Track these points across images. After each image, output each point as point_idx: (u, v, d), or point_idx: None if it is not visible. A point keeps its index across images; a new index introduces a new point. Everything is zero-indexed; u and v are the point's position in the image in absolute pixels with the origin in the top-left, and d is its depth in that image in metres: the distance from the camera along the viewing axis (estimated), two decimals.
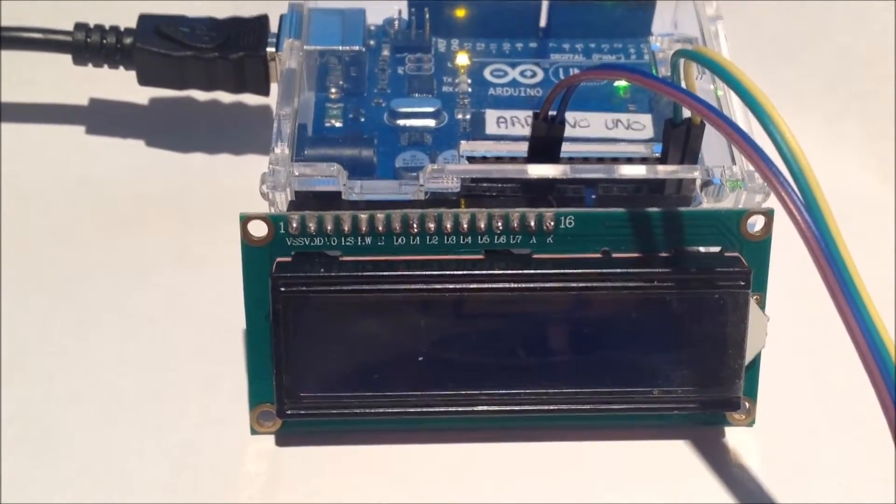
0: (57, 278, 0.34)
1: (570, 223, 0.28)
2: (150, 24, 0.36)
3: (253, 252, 0.28)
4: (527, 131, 0.31)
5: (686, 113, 0.29)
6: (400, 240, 0.28)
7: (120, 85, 0.38)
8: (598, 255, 0.28)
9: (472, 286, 0.28)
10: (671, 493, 0.29)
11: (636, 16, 0.36)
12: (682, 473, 0.29)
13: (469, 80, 0.34)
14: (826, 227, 0.22)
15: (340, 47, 0.34)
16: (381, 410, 0.29)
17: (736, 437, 0.30)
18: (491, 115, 0.33)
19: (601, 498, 0.29)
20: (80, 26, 0.36)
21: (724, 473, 0.29)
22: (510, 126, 0.33)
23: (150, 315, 0.33)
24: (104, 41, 0.36)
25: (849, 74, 0.40)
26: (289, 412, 0.28)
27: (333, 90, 0.34)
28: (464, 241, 0.28)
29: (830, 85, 0.40)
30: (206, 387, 0.31)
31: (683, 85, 0.28)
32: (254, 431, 0.29)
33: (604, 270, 0.28)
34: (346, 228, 0.28)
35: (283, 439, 0.30)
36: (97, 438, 0.30)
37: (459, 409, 0.29)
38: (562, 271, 0.28)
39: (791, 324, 0.30)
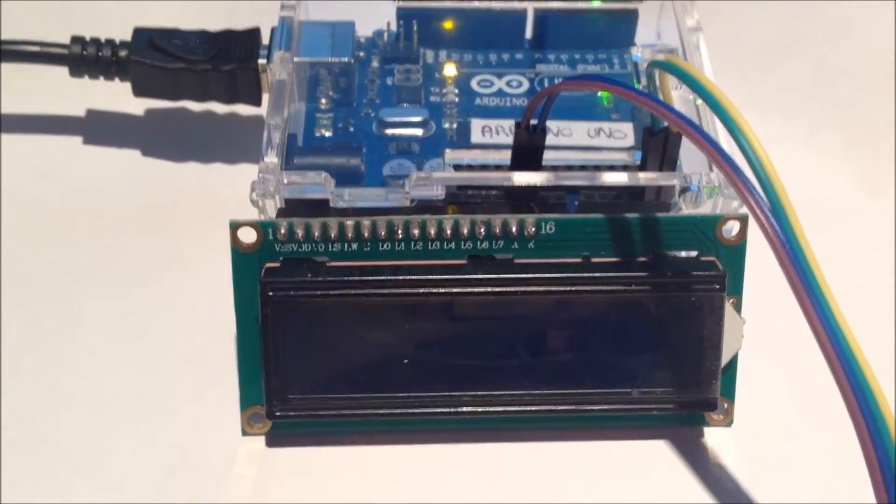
0: (53, 284, 0.34)
1: (551, 229, 0.29)
2: (145, 38, 0.36)
3: (242, 258, 0.28)
4: (511, 140, 0.31)
5: (664, 122, 0.30)
6: (385, 246, 0.28)
7: (115, 96, 0.38)
8: (579, 260, 0.29)
9: (455, 290, 0.28)
10: (650, 493, 0.29)
11: (619, 27, 0.36)
12: (661, 473, 0.30)
13: (456, 91, 0.35)
14: (791, 229, 0.23)
15: (330, 59, 0.35)
16: (367, 411, 0.29)
17: (714, 437, 0.30)
18: (476, 125, 0.33)
19: (582, 497, 0.29)
20: (76, 39, 0.37)
21: (702, 473, 0.30)
22: (495, 135, 0.33)
23: (143, 320, 0.33)
24: (100, 54, 0.36)
25: (829, 83, 0.41)
26: (278, 413, 0.29)
27: (323, 101, 0.35)
28: (447, 246, 0.29)
29: (811, 94, 0.41)
30: (198, 389, 0.31)
31: (659, 95, 0.29)
32: (245, 433, 0.30)
33: (584, 275, 0.28)
34: (332, 235, 0.28)
35: (273, 440, 0.30)
36: (91, 440, 0.30)
37: (444, 409, 0.29)
38: (543, 275, 0.28)
39: (767, 326, 0.31)
